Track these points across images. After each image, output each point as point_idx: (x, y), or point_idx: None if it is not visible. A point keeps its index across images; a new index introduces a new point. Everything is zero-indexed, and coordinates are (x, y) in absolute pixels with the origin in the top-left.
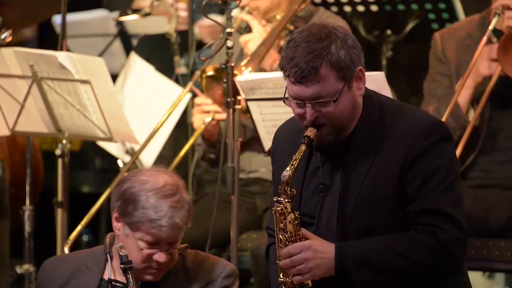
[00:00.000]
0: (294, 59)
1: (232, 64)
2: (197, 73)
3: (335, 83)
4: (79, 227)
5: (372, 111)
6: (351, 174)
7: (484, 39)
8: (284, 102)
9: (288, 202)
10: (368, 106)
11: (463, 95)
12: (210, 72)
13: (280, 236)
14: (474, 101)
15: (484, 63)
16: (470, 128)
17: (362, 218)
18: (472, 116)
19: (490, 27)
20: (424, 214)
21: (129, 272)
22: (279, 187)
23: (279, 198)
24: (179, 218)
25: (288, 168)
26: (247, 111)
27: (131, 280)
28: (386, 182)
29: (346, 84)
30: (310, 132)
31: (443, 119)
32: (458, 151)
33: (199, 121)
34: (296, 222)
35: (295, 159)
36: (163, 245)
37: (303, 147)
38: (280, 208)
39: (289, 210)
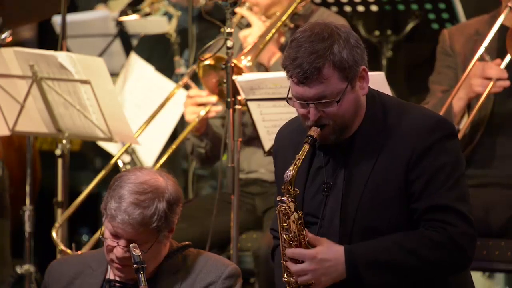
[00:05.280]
0: (297, 59)
1: (232, 64)
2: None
3: (338, 83)
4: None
5: (375, 111)
6: (354, 173)
7: (499, 22)
8: (288, 102)
9: (291, 201)
10: (371, 105)
11: (457, 105)
12: (208, 61)
13: (284, 235)
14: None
15: (477, 81)
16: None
17: (366, 218)
18: (465, 122)
19: (501, 18)
20: (431, 210)
21: (141, 272)
22: (282, 187)
23: (282, 198)
24: (131, 216)
25: (291, 168)
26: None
27: (142, 280)
28: (390, 182)
29: (349, 84)
30: (314, 131)
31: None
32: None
33: (191, 114)
34: (299, 221)
35: (298, 159)
36: (122, 240)
37: (306, 147)
38: (283, 207)
39: (293, 209)
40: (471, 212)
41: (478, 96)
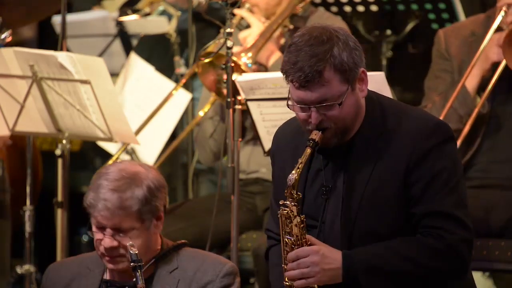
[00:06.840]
0: (298, 63)
1: (232, 65)
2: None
3: (339, 86)
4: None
5: (374, 113)
6: (354, 176)
7: (494, 26)
8: (288, 107)
9: (294, 205)
10: (370, 107)
11: (470, 84)
12: (208, 59)
13: (286, 239)
14: (480, 90)
15: (494, 50)
16: (476, 113)
17: (366, 221)
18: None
19: (497, 22)
20: (429, 216)
21: (139, 270)
22: (285, 191)
23: (285, 202)
24: (109, 201)
25: (294, 172)
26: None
27: (140, 278)
28: (390, 185)
29: (349, 86)
30: (315, 135)
31: (446, 108)
32: (463, 135)
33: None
34: (302, 225)
35: (301, 162)
36: (107, 229)
37: (308, 150)
38: (286, 211)
39: (295, 213)
40: (469, 217)
41: (493, 67)
